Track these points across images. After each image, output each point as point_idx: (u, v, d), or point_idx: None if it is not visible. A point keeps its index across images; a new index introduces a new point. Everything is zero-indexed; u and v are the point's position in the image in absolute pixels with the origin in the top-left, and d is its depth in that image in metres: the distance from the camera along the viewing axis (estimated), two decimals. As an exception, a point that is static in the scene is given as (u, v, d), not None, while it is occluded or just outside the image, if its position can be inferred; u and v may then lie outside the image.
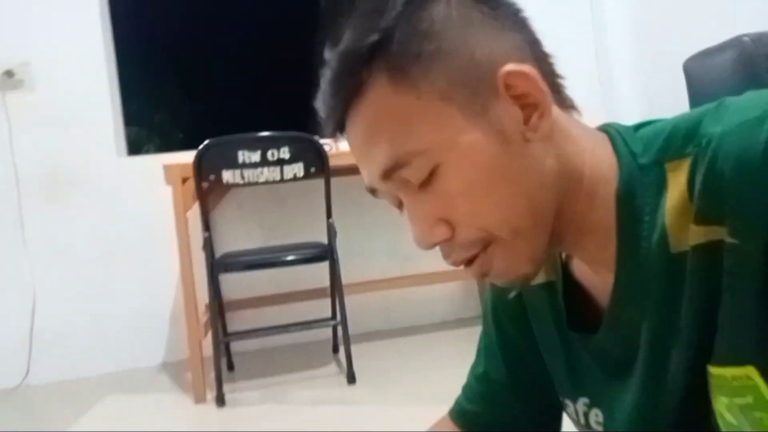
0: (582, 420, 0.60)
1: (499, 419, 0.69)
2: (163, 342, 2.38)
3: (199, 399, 1.81)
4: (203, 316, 1.96)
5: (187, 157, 1.85)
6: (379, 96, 0.48)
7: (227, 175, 1.73)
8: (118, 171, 2.34)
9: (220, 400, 1.76)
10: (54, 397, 2.10)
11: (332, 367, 2.08)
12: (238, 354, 2.28)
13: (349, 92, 0.49)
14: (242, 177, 1.74)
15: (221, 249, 2.02)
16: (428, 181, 0.49)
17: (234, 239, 2.28)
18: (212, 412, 1.74)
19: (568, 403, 0.61)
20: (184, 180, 1.78)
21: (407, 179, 0.49)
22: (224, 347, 2.05)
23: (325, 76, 0.50)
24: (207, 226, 1.85)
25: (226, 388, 1.79)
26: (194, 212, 1.91)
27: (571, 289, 0.58)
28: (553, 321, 0.60)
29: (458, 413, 0.73)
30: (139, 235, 2.34)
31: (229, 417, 1.71)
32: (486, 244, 0.51)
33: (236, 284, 2.31)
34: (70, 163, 2.31)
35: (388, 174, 0.49)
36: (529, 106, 0.48)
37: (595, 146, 0.52)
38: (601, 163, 0.51)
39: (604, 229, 0.50)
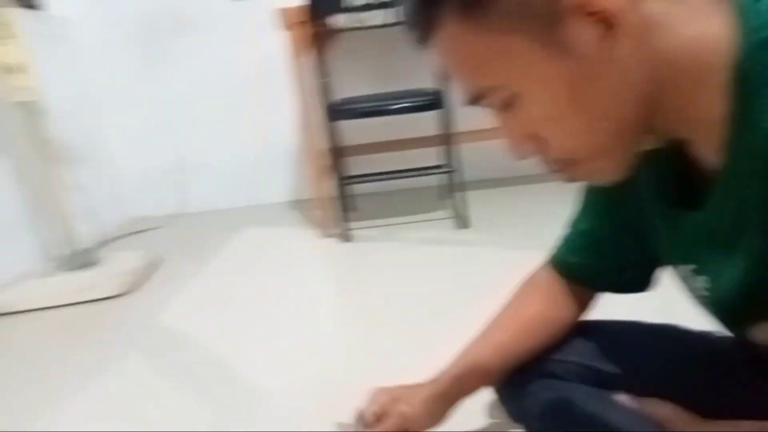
0: (689, 284, 0.61)
1: (600, 271, 0.74)
2: (291, 181, 2.60)
3: (326, 234, 2.00)
4: (323, 160, 2.07)
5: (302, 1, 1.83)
6: (452, 33, 0.49)
7: (342, 19, 1.71)
8: (235, 12, 2.39)
9: (344, 236, 1.93)
10: (204, 225, 2.43)
11: (447, 212, 2.17)
12: (358, 196, 2.43)
13: (424, 29, 0.51)
14: (358, 20, 1.70)
15: (335, 94, 2.05)
16: (510, 106, 0.51)
17: (345, 85, 2.30)
18: (338, 246, 1.93)
19: (675, 265, 0.62)
20: (297, 24, 1.78)
21: (491, 104, 0.52)
22: (345, 189, 2.19)
23: (404, 6, 0.52)
24: (322, 72, 1.88)
25: (348, 226, 1.96)
26: (307, 58, 1.94)
27: (681, 159, 0.56)
28: (661, 191, 0.60)
29: (561, 263, 0.79)
30: (257, 78, 2.43)
31: (353, 251, 1.89)
32: (571, 162, 0.53)
33: (352, 130, 2.39)
34: (192, 3, 2.38)
35: (472, 102, 0.53)
36: (606, 21, 0.45)
37: (703, 28, 0.46)
38: (710, 46, 0.46)
39: (713, 115, 0.47)
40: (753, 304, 0.53)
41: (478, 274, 1.61)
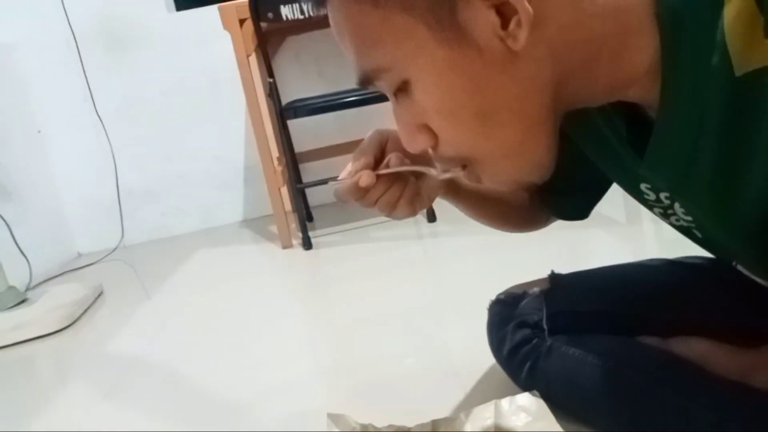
0: (671, 209, 0.54)
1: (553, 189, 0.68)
2: (241, 200, 2.45)
3: (286, 244, 1.87)
4: (278, 167, 1.96)
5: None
6: (340, 3, 0.44)
7: (286, 11, 1.62)
8: (171, 26, 2.26)
9: (307, 243, 1.81)
10: (149, 255, 2.25)
11: (409, 211, 2.08)
12: (315, 207, 2.32)
13: None
14: (302, 11, 1.62)
15: (282, 99, 1.95)
16: (403, 91, 0.45)
17: (294, 89, 2.22)
18: (300, 255, 1.80)
19: (649, 193, 0.54)
20: (242, 22, 1.68)
21: (382, 88, 0.46)
22: (302, 199, 2.08)
23: None
24: (270, 71, 1.78)
25: (308, 235, 1.84)
26: (253, 60, 1.84)
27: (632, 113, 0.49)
28: (613, 131, 0.52)
29: None
30: (203, 89, 2.30)
31: (317, 258, 1.77)
32: (467, 161, 0.47)
33: (303, 137, 2.29)
34: (123, 20, 2.24)
35: (362, 83, 0.47)
36: (506, 7, 0.39)
37: None
38: (630, 3, 0.40)
39: (647, 70, 0.42)
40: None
41: (452, 267, 1.52)
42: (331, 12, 0.46)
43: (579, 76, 0.43)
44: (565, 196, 0.68)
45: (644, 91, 0.43)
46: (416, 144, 0.48)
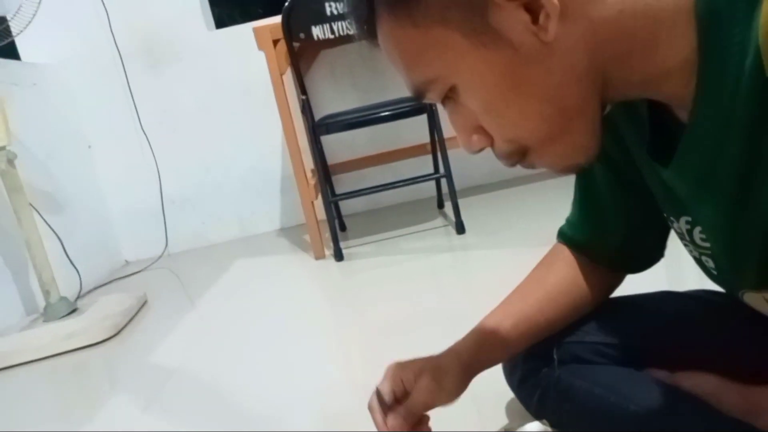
0: (687, 237, 0.56)
1: (608, 244, 0.69)
2: (277, 209, 2.53)
3: (319, 255, 1.93)
4: (311, 180, 2.01)
5: (275, 20, 1.80)
6: (386, 30, 0.49)
7: (317, 31, 1.67)
8: (210, 43, 2.35)
9: (338, 255, 1.85)
10: (192, 263, 2.34)
11: (440, 221, 2.11)
12: (348, 216, 2.37)
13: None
14: (332, 31, 1.66)
15: (317, 113, 2.01)
16: (451, 98, 0.50)
17: (329, 103, 2.27)
18: (332, 266, 1.85)
19: (672, 220, 0.58)
20: (275, 42, 1.74)
21: (433, 99, 0.51)
22: (334, 209, 2.13)
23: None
24: (303, 89, 1.83)
25: (341, 245, 1.88)
26: (288, 77, 1.90)
27: (659, 112, 0.51)
28: (638, 143, 0.56)
29: (571, 240, 0.74)
30: (240, 104, 2.39)
31: (348, 269, 1.81)
32: (523, 152, 0.50)
33: (337, 149, 2.34)
34: (165, 37, 2.34)
35: (417, 98, 0.52)
36: (534, 3, 0.43)
37: None
38: None
39: (682, 65, 0.43)
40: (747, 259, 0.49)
41: (481, 277, 1.53)
42: (381, 42, 0.51)
43: (614, 68, 0.46)
44: (625, 243, 0.69)
45: (679, 88, 0.44)
46: (473, 145, 0.52)
